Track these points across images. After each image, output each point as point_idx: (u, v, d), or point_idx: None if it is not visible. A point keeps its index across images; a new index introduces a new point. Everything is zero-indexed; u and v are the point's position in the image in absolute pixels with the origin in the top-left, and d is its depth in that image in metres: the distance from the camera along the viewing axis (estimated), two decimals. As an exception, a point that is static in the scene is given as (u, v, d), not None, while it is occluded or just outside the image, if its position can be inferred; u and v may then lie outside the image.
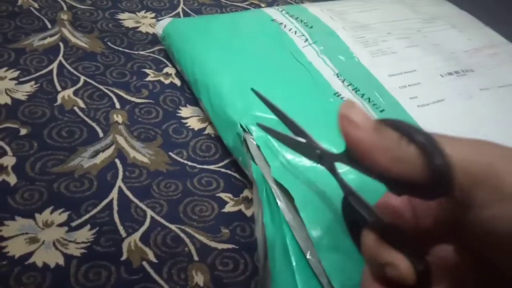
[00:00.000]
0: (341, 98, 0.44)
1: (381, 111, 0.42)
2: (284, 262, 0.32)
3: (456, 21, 0.58)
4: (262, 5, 0.70)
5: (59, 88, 0.48)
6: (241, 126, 0.40)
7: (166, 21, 0.55)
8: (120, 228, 0.37)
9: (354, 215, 0.24)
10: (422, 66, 0.49)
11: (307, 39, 0.51)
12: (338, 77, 0.46)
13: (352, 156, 0.21)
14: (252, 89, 0.32)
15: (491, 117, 0.44)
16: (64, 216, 0.37)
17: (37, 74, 0.49)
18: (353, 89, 0.45)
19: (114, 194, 0.40)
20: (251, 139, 0.39)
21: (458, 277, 0.22)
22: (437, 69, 0.49)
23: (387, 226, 0.22)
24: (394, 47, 0.51)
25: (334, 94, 0.44)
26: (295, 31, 0.52)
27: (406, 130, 0.20)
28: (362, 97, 0.44)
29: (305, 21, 0.54)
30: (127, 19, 0.60)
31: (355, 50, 0.50)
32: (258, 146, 0.38)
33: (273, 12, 0.55)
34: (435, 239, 0.23)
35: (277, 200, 0.35)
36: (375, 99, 0.44)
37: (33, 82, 0.48)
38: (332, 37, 0.51)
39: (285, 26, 0.52)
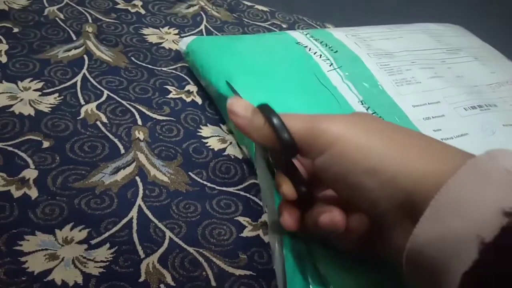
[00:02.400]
0: None
1: None
2: None
3: (479, 53, 0.58)
4: (284, 26, 0.71)
5: (82, 102, 0.49)
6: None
7: (190, 37, 0.56)
8: (139, 248, 0.37)
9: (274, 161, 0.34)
10: (446, 98, 0.49)
11: (332, 64, 0.51)
12: (362, 104, 0.46)
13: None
14: (226, 82, 0.34)
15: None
16: (84, 233, 0.37)
17: (61, 86, 0.50)
18: None
19: (134, 212, 0.40)
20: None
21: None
22: (461, 102, 0.49)
23: (288, 166, 0.32)
24: (418, 77, 0.51)
25: None
26: (320, 55, 0.52)
27: (267, 114, 0.29)
28: None
29: (330, 46, 0.54)
30: (151, 35, 0.61)
31: (379, 77, 0.50)
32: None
33: (297, 35, 0.55)
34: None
35: None
36: None
37: (57, 94, 0.49)
38: (356, 63, 0.51)
39: (310, 49, 0.53)
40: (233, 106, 0.30)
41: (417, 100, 0.48)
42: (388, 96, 0.48)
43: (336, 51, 0.53)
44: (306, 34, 0.56)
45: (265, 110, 0.30)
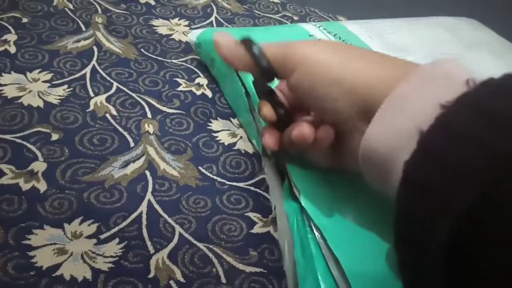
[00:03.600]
0: None
1: None
2: None
3: (495, 48, 0.57)
4: (295, 18, 0.69)
5: (92, 94, 0.48)
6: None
7: (200, 29, 0.55)
8: (149, 243, 0.37)
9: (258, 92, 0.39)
10: None
11: None
12: None
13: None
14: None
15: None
16: (93, 228, 0.37)
17: (70, 77, 0.49)
18: None
19: (143, 207, 0.39)
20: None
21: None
22: None
23: (268, 92, 0.37)
24: None
25: None
26: None
27: (247, 45, 0.33)
28: None
29: (343, 39, 0.53)
30: (161, 26, 0.60)
31: None
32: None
33: (310, 27, 0.54)
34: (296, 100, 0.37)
35: (315, 231, 0.34)
36: None
37: (66, 86, 0.48)
38: None
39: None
40: (218, 38, 0.35)
41: None
42: None
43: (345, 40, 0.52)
44: (319, 27, 0.55)
45: (246, 41, 0.34)
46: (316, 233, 0.34)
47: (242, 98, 0.45)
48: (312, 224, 0.34)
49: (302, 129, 0.32)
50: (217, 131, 0.48)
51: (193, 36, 0.54)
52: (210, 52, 0.52)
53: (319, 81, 0.30)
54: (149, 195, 0.40)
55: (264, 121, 0.38)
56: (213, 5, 0.67)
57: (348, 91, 0.29)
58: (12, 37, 0.52)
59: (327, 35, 0.53)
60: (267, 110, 0.35)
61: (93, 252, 0.35)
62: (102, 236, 0.36)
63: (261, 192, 0.43)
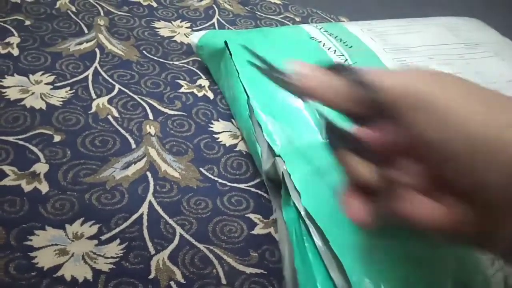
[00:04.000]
0: None
1: None
2: None
3: (498, 48, 0.57)
4: (297, 19, 0.69)
5: (94, 96, 0.48)
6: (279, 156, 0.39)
7: (202, 31, 0.55)
8: (149, 244, 0.37)
9: (333, 139, 0.28)
10: None
11: (346, 59, 0.50)
12: None
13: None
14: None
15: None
16: (94, 229, 0.37)
17: (73, 80, 0.49)
18: None
19: (144, 208, 0.39)
20: (285, 169, 0.38)
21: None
22: None
23: (357, 144, 0.26)
24: None
25: None
26: (334, 50, 0.51)
27: (346, 71, 0.25)
28: None
29: (344, 41, 0.53)
30: (163, 28, 0.60)
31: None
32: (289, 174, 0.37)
33: (311, 29, 0.54)
34: (398, 154, 0.26)
35: (314, 239, 0.33)
36: None
37: (68, 88, 0.48)
38: (372, 59, 0.50)
39: (324, 44, 0.52)
40: (303, 69, 0.26)
41: None
42: None
43: (351, 46, 0.52)
44: (320, 29, 0.55)
45: (339, 67, 0.26)
46: (316, 240, 0.34)
47: (243, 103, 0.45)
48: (312, 229, 0.34)
49: (434, 210, 0.23)
50: (219, 133, 0.48)
51: (194, 38, 0.55)
52: (212, 55, 0.52)
53: (454, 134, 0.21)
54: (150, 196, 0.40)
55: (346, 178, 0.28)
56: (215, 6, 0.67)
57: (506, 160, 0.20)
58: (15, 39, 0.53)
59: (328, 37, 0.53)
60: (363, 168, 0.25)
61: (94, 253, 0.35)
62: (103, 237, 0.37)
63: (262, 193, 0.43)
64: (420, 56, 0.52)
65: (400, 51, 0.53)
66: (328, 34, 0.54)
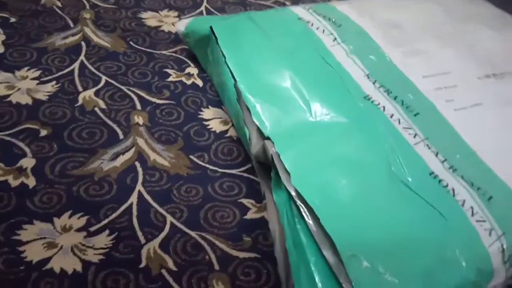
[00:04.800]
0: (372, 101, 0.41)
1: (415, 115, 0.40)
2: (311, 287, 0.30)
3: (491, 21, 0.55)
4: (287, 3, 0.68)
5: (80, 89, 0.48)
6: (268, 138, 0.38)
7: (188, 19, 0.54)
8: (139, 234, 0.36)
9: None
10: (457, 68, 0.47)
11: (335, 38, 0.49)
12: (368, 78, 0.44)
13: None
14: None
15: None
16: (82, 221, 0.36)
17: (59, 74, 0.49)
18: (385, 91, 0.43)
19: (133, 198, 0.39)
20: (274, 151, 0.37)
21: None
22: (473, 72, 0.46)
23: None
24: (427, 47, 0.49)
25: (364, 97, 0.42)
26: (323, 30, 0.50)
27: None
28: (394, 99, 0.42)
29: (333, 20, 0.51)
30: (150, 18, 0.59)
31: (387, 49, 0.48)
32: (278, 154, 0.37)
33: (300, 10, 0.53)
34: None
35: (306, 218, 0.33)
36: (409, 102, 0.41)
37: (54, 82, 0.48)
38: (362, 36, 0.49)
39: (312, 24, 0.51)
40: None
41: (427, 71, 0.46)
42: (396, 67, 0.46)
43: (340, 25, 0.51)
44: (309, 9, 0.54)
45: None
46: (308, 220, 0.33)
47: (231, 88, 0.44)
48: (303, 209, 0.33)
49: None
50: (209, 119, 0.47)
51: (181, 26, 0.54)
52: (199, 42, 0.51)
53: None
54: (139, 186, 0.40)
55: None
56: (202, -5, 0.66)
57: None
58: (0, 37, 0.52)
59: (317, 17, 0.52)
60: None
61: (83, 245, 0.35)
62: (92, 229, 0.36)
63: (255, 178, 0.42)
64: (410, 31, 0.51)
65: (390, 28, 0.51)
66: (317, 14, 0.53)
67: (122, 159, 0.41)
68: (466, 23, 0.54)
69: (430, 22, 0.53)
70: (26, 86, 0.47)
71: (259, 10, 0.66)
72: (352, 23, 0.52)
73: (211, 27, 0.48)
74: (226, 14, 0.63)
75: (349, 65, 0.46)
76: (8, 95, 0.45)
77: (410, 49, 0.48)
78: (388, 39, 0.49)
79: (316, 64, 0.46)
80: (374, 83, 0.44)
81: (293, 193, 0.34)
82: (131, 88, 0.49)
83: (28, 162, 0.40)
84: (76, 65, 0.50)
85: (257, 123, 0.40)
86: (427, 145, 0.38)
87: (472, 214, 0.33)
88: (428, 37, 0.51)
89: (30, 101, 0.45)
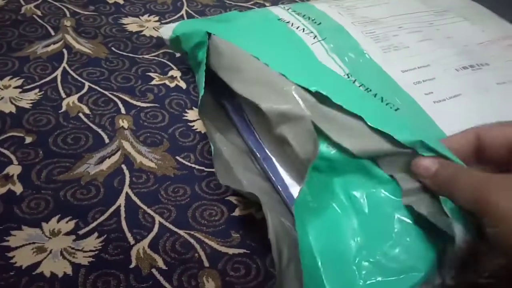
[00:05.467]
0: None
1: (395, 110, 0.41)
2: (310, 263, 0.31)
3: (468, 13, 0.57)
4: (267, 4, 0.69)
5: (63, 95, 0.48)
6: None
7: (173, 23, 0.54)
8: (128, 235, 0.37)
9: None
10: (436, 60, 0.48)
11: (315, 36, 0.49)
12: (348, 77, 0.45)
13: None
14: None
15: (509, 112, 0.43)
16: (71, 225, 0.37)
17: (41, 81, 0.49)
18: (364, 90, 0.43)
19: (121, 200, 0.39)
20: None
21: None
22: (452, 63, 0.48)
23: None
24: (406, 41, 0.50)
25: None
26: (303, 29, 0.50)
27: None
28: (374, 97, 0.43)
29: (312, 18, 0.52)
30: (131, 23, 0.60)
31: (366, 46, 0.48)
32: None
33: (279, 11, 0.54)
34: None
35: None
36: (388, 98, 0.42)
37: (37, 90, 0.48)
38: (341, 33, 0.50)
39: (292, 24, 0.51)
40: (416, 168, 0.32)
41: (406, 65, 0.47)
42: (376, 64, 0.47)
43: (320, 23, 0.52)
44: (288, 9, 0.55)
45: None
46: None
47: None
48: None
49: None
50: (193, 121, 0.48)
51: (167, 30, 0.54)
52: (189, 45, 0.50)
53: None
54: (126, 188, 0.40)
55: None
56: (182, -1, 0.67)
57: None
58: (-19, 47, 0.52)
59: (296, 17, 0.53)
60: None
61: (73, 248, 0.35)
62: (81, 232, 0.36)
63: (241, 175, 0.43)
64: (389, 26, 0.52)
65: (369, 23, 0.52)
66: (296, 14, 0.53)
67: (108, 162, 0.42)
68: (444, 16, 0.55)
69: (409, 16, 0.54)
70: (9, 95, 0.47)
71: (239, 12, 0.66)
72: (331, 21, 0.52)
73: (207, 32, 0.48)
74: (206, 17, 0.64)
75: (329, 64, 0.46)
76: (-9, 105, 0.45)
77: (389, 44, 0.49)
78: (367, 35, 0.50)
79: (297, 63, 0.47)
80: (354, 82, 0.45)
81: None
82: (114, 93, 0.49)
83: (14, 169, 0.40)
84: (58, 72, 0.50)
85: None
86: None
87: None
88: (407, 31, 0.51)
89: (13, 110, 0.45)
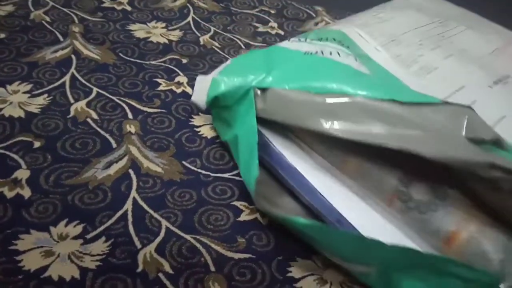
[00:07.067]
0: None
1: None
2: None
3: (465, 20, 0.56)
4: (272, 11, 0.70)
5: (72, 100, 0.48)
6: None
7: (202, 83, 0.45)
8: (135, 239, 0.37)
9: None
10: (467, 80, 0.45)
11: (356, 59, 0.45)
12: None
13: None
14: None
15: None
16: (79, 229, 0.37)
17: (50, 86, 0.50)
18: None
19: (128, 205, 0.39)
20: None
21: None
22: (481, 80, 0.45)
23: None
24: (433, 61, 0.47)
25: None
26: (337, 53, 0.46)
27: None
28: None
29: (339, 40, 0.47)
30: (138, 30, 0.61)
31: (400, 74, 0.44)
32: None
33: (297, 45, 0.47)
34: None
35: None
36: None
37: (46, 95, 0.48)
38: (369, 62, 0.45)
39: (322, 52, 0.46)
40: None
41: (444, 91, 0.43)
42: (417, 94, 0.42)
43: (348, 46, 0.47)
44: (306, 39, 0.48)
45: None
46: None
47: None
48: None
49: None
50: (199, 126, 0.48)
51: (199, 95, 0.45)
52: (233, 99, 0.43)
53: None
54: (133, 193, 0.40)
55: None
56: (189, 5, 0.68)
57: None
58: (-10, 53, 0.53)
59: (319, 43, 0.47)
60: None
61: (80, 252, 0.35)
62: (88, 236, 0.37)
63: (247, 181, 0.43)
64: (410, 44, 0.49)
65: (390, 44, 0.48)
66: (317, 40, 0.48)
67: (115, 167, 0.42)
68: (448, 26, 0.55)
69: (421, 30, 0.52)
70: (18, 100, 0.47)
71: (245, 18, 0.67)
72: (354, 45, 0.47)
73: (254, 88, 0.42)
74: (212, 24, 0.64)
75: None
76: (1, 109, 0.46)
77: (419, 67, 0.46)
78: (396, 61, 0.46)
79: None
80: None
81: None
82: (122, 98, 0.50)
83: (22, 174, 0.40)
84: (67, 77, 0.51)
85: None
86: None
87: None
88: (428, 48, 0.49)
89: (22, 114, 0.46)
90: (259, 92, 0.42)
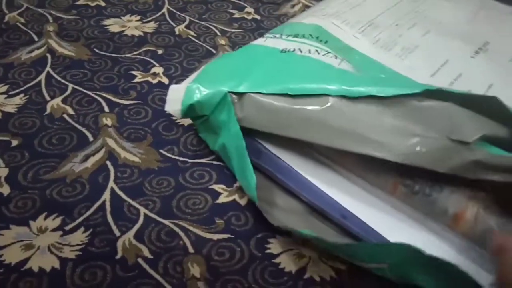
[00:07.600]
0: None
1: None
2: None
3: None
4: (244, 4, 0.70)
5: (48, 98, 0.49)
6: None
7: (176, 91, 0.43)
8: (114, 228, 0.38)
9: None
10: (449, 53, 0.45)
11: (336, 56, 0.43)
12: None
13: None
14: None
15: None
16: (57, 221, 0.38)
17: (26, 86, 0.50)
18: None
19: (106, 195, 0.40)
20: None
21: None
22: (462, 52, 0.46)
23: None
24: (413, 39, 0.47)
25: None
26: (316, 50, 0.44)
27: None
28: None
29: (316, 36, 0.46)
30: (113, 24, 0.61)
31: (381, 59, 0.44)
32: None
33: (274, 42, 0.46)
34: None
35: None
36: None
37: (22, 95, 0.49)
38: (351, 52, 0.45)
39: (300, 50, 0.44)
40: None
41: (430, 68, 0.43)
42: (404, 77, 0.42)
43: (326, 41, 0.45)
44: (281, 36, 0.46)
45: None
46: None
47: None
48: None
49: None
50: (176, 114, 0.49)
51: (172, 103, 0.42)
52: (210, 107, 0.41)
53: None
54: (111, 183, 0.41)
55: None
56: (163, -3, 0.68)
57: None
58: (-34, 57, 0.53)
59: (295, 41, 0.45)
60: None
61: (60, 243, 0.36)
62: (67, 227, 0.37)
63: (224, 164, 0.44)
64: (386, 27, 0.49)
65: (368, 29, 0.48)
66: (292, 38, 0.46)
67: (93, 160, 0.43)
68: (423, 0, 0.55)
69: (394, 10, 0.52)
70: (-6, 101, 0.48)
71: (220, 6, 0.67)
72: (332, 37, 0.46)
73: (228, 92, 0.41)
74: (188, 14, 0.64)
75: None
76: (-22, 112, 0.47)
77: (401, 48, 0.46)
78: (375, 45, 0.46)
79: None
80: None
81: None
82: (98, 93, 0.50)
83: (1, 172, 0.41)
84: (42, 76, 0.51)
85: None
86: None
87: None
88: (405, 27, 0.49)
89: (-1, 115, 0.46)
90: (235, 98, 0.40)
